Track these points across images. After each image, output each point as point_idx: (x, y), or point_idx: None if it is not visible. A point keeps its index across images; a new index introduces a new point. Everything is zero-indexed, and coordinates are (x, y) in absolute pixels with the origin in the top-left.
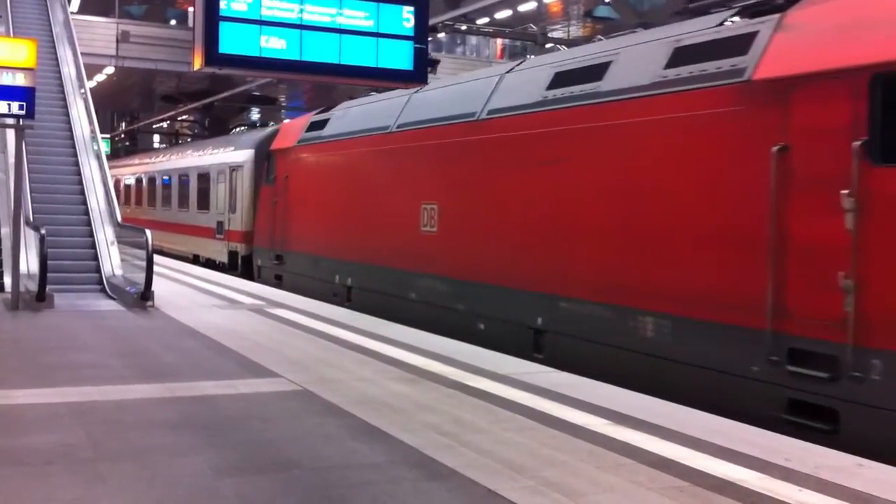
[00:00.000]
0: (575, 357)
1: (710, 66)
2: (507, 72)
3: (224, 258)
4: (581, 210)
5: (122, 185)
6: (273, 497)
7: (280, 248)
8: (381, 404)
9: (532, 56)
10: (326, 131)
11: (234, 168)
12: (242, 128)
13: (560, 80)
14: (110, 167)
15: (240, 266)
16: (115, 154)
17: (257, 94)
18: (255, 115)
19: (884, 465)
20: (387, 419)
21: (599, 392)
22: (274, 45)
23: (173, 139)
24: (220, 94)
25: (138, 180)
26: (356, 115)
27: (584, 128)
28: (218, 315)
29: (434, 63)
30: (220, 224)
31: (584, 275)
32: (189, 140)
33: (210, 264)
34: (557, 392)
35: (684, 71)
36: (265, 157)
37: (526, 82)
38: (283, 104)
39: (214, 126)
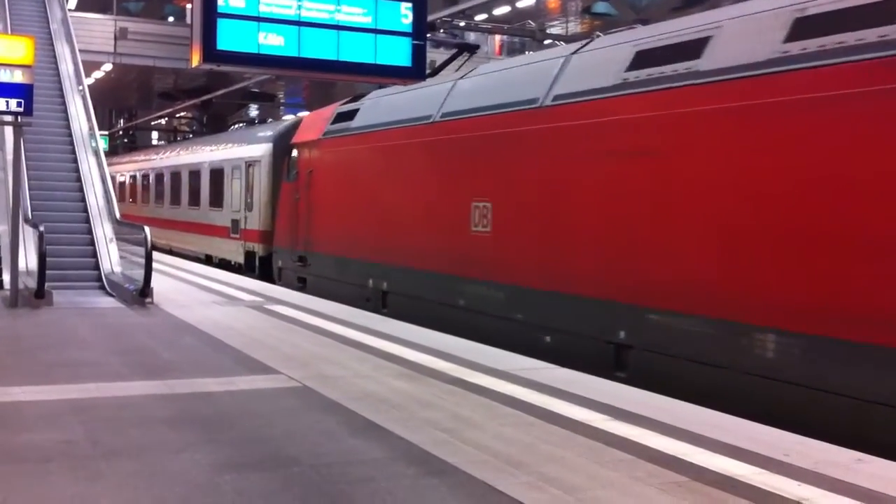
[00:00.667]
0: (669, 377)
1: (852, 38)
2: (574, 52)
3: (240, 259)
4: (679, 207)
5: (127, 181)
6: (272, 493)
7: (304, 249)
8: (381, 400)
9: (599, 34)
10: (356, 122)
11: (250, 163)
12: (241, 124)
13: (643, 59)
14: (113, 164)
15: (257, 268)
16: (115, 151)
17: (255, 90)
18: (253, 111)
19: (883, 461)
20: (386, 415)
21: (598, 387)
22: (272, 41)
23: (172, 136)
24: (218, 91)
25: (145, 177)
26: (390, 104)
27: (679, 113)
28: (217, 311)
29: (474, 48)
30: (235, 223)
31: (684, 283)
32: (189, 136)
33: (225, 266)
34: (557, 388)
35: (812, 44)
36: (285, 151)
37: (599, 64)
38: (282, 101)
39: (212, 123)
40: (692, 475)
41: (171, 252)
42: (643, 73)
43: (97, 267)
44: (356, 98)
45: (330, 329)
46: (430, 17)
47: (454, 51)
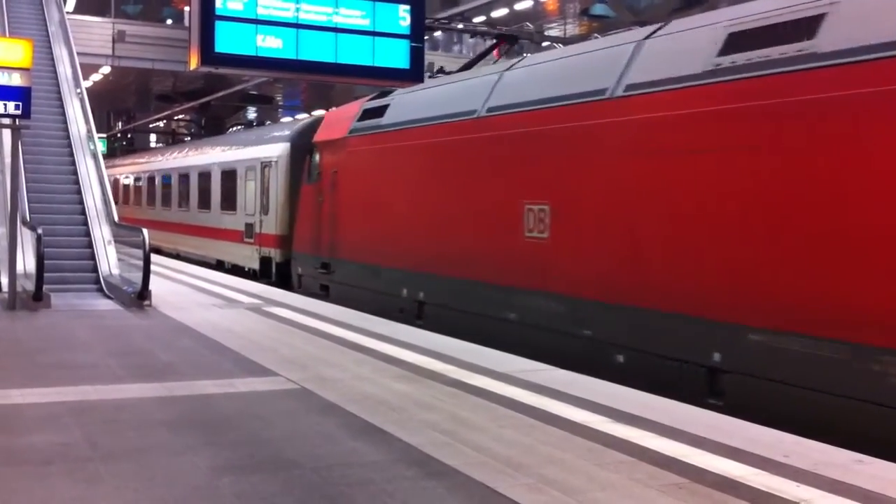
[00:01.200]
0: (782, 407)
1: None
2: (648, 37)
3: (255, 265)
4: (798, 210)
5: (131, 184)
6: (271, 496)
7: (327, 255)
8: (380, 402)
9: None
10: (386, 119)
11: (266, 164)
12: (239, 127)
13: (739, 42)
14: (116, 165)
15: (274, 274)
16: (113, 153)
17: (254, 93)
18: (251, 114)
19: (882, 462)
20: (385, 417)
21: (598, 389)
22: (270, 44)
23: (170, 139)
24: (216, 94)
25: (150, 179)
26: (425, 99)
27: (789, 102)
28: (216, 314)
29: (515, 38)
30: (249, 227)
31: (807, 300)
32: (187, 138)
33: (238, 272)
34: (556, 389)
35: None
36: (304, 151)
37: (683, 49)
38: (280, 103)
39: (211, 125)
40: (692, 477)
41: (178, 257)
42: (739, 58)
43: (95, 269)
44: (383, 94)
45: (328, 331)
46: (427, 20)
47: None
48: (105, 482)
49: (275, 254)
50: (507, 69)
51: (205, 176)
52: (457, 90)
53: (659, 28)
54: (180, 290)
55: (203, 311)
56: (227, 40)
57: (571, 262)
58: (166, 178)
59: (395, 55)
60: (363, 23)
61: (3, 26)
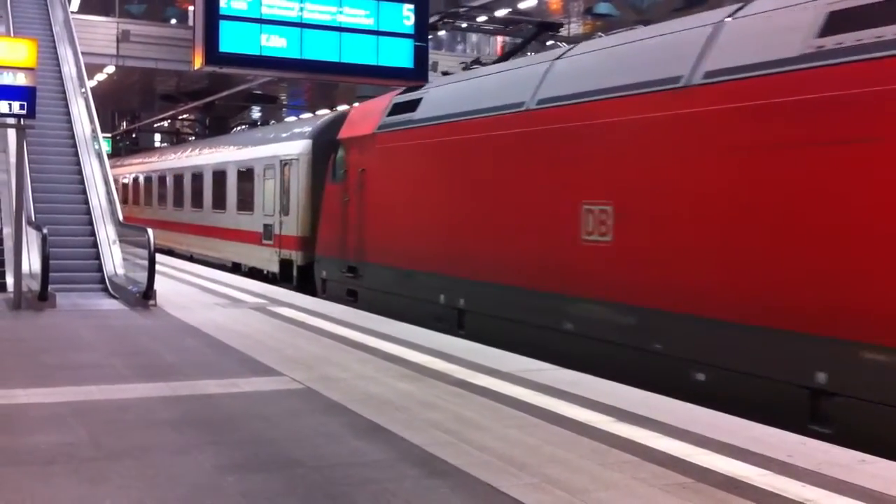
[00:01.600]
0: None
1: None
2: (729, 17)
3: (274, 268)
4: None
5: (140, 183)
6: (275, 495)
7: (355, 259)
8: (384, 402)
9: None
10: (420, 113)
11: (286, 162)
12: (243, 126)
13: (842, 21)
14: (123, 164)
15: (295, 278)
16: (118, 153)
17: (258, 92)
18: (255, 113)
19: (886, 461)
20: (389, 417)
21: (603, 389)
22: (274, 43)
23: (175, 138)
24: (220, 93)
25: (161, 178)
26: (463, 91)
27: None
28: (220, 314)
29: (556, 26)
30: (268, 228)
31: None
32: (192, 138)
33: (256, 275)
34: (561, 389)
35: None
36: (326, 148)
37: (770, 31)
38: (285, 102)
39: (215, 125)
40: (696, 477)
41: (191, 259)
42: (844, 38)
43: (100, 269)
44: (413, 87)
45: (332, 331)
46: (431, 18)
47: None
48: (109, 481)
49: (296, 256)
50: (558, 58)
51: (220, 175)
52: (498, 82)
53: (740, 7)
54: (185, 289)
55: (207, 310)
56: (232, 40)
57: (640, 269)
58: (178, 178)
59: (400, 54)
60: (367, 22)
61: (7, 26)
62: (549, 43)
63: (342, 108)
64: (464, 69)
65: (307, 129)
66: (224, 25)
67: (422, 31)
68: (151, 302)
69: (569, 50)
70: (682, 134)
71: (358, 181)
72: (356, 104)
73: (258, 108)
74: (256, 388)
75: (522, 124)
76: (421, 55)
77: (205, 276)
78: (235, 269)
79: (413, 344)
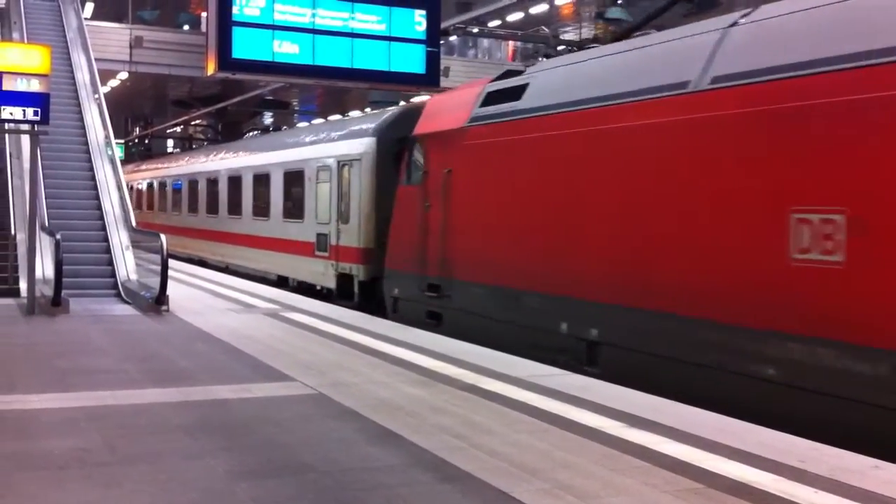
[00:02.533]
0: None
1: None
2: None
3: (330, 283)
4: None
5: (167, 189)
6: (287, 500)
7: (438, 275)
8: (395, 407)
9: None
10: (527, 102)
11: (345, 163)
12: (255, 132)
13: None
14: (142, 170)
15: (357, 295)
16: (131, 159)
17: (270, 98)
18: (267, 119)
19: None
20: (400, 422)
21: (612, 394)
22: (287, 49)
23: (188, 144)
24: (232, 99)
25: (192, 183)
26: (589, 71)
27: None
28: (233, 319)
29: None
30: (322, 238)
31: None
32: (205, 143)
33: (308, 291)
34: (570, 394)
35: None
36: (396, 145)
37: None
38: (297, 108)
39: (227, 130)
40: (707, 482)
41: (226, 270)
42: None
43: (113, 275)
44: (510, 73)
45: (344, 336)
46: (443, 24)
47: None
48: (122, 486)
49: (358, 270)
50: (733, 24)
51: (262, 179)
52: (646, 57)
53: None
54: (198, 295)
55: (220, 315)
56: (245, 46)
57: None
58: (212, 183)
59: (411, 60)
60: (379, 28)
61: (21, 33)
62: (560, 48)
63: (420, 98)
64: (543, 58)
65: (370, 125)
66: (237, 32)
67: (434, 36)
68: (164, 307)
69: (749, 13)
70: None
71: (442, 183)
72: (435, 94)
73: (270, 114)
74: (269, 394)
75: (686, 110)
76: (433, 60)
77: (217, 281)
78: (282, 283)
79: (423, 349)
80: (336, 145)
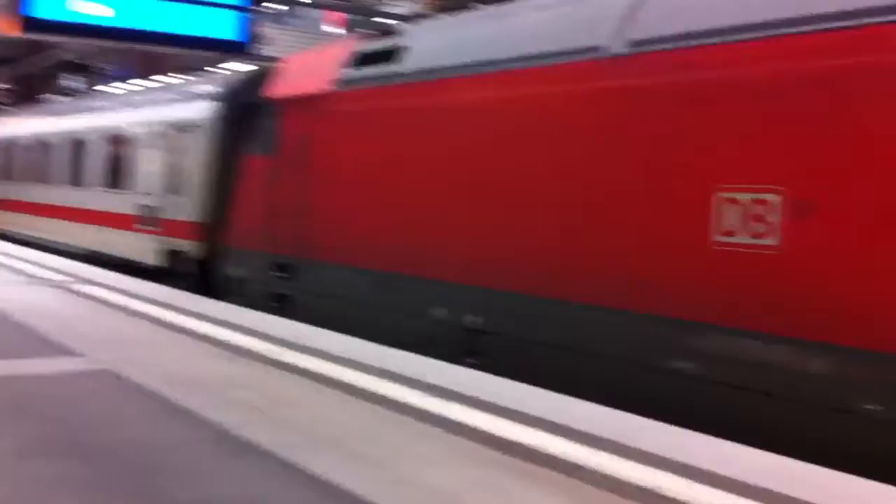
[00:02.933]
0: None
1: None
2: None
3: (153, 259)
4: None
5: None
6: (75, 479)
7: (289, 253)
8: (193, 383)
9: None
10: (407, 65)
11: (182, 127)
12: (57, 96)
13: None
14: None
15: (189, 274)
16: None
17: (74, 60)
18: (72, 82)
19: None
20: (198, 397)
21: (410, 363)
22: (90, 9)
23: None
24: (28, 60)
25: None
26: (480, 32)
27: None
28: (19, 291)
29: None
30: (148, 210)
31: None
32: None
33: (132, 269)
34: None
35: None
36: (240, 111)
37: None
38: (105, 71)
39: (24, 94)
40: (505, 449)
41: (42, 246)
42: None
43: None
44: (385, 31)
45: (144, 310)
46: None
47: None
48: None
49: (189, 247)
50: None
51: (79, 145)
52: (547, 19)
53: None
54: None
55: (3, 288)
56: (41, 4)
57: (824, 285)
58: (29, 149)
59: (223, 25)
60: None
61: None
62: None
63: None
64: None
65: (214, 87)
66: None
67: (248, 2)
68: None
69: None
70: None
71: (300, 154)
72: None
73: (79, 77)
74: (57, 370)
75: (601, 77)
76: (245, 26)
77: (4, 251)
78: (101, 260)
79: (228, 323)
80: (171, 109)
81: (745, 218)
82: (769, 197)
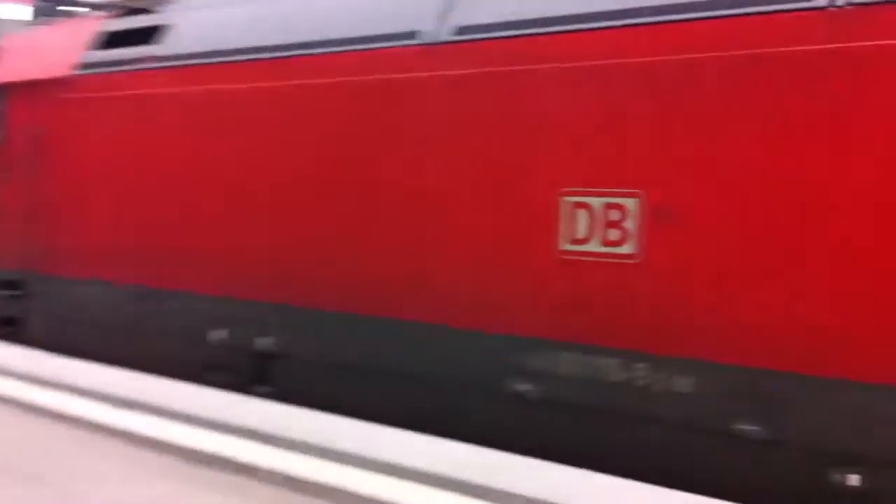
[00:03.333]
0: None
1: None
2: None
3: None
4: None
5: None
6: None
7: (19, 268)
8: None
9: None
10: (170, 47)
11: None
12: None
13: None
14: None
15: None
16: None
17: None
18: None
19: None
20: None
21: (93, 374)
22: None
23: None
24: None
25: None
26: (271, 10)
27: None
28: None
29: None
30: None
31: None
32: None
33: None
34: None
35: None
36: None
37: None
38: None
39: None
40: (178, 454)
41: None
42: None
43: None
44: (137, 9)
45: None
46: None
47: None
48: None
49: None
50: None
51: None
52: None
53: None
54: None
55: None
56: None
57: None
58: None
59: None
60: None
61: None
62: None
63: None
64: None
65: None
66: None
67: None
68: None
69: None
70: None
71: (31, 148)
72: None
73: None
74: None
75: (423, 66)
76: None
77: None
78: None
79: None
80: None
81: (595, 224)
82: (624, 201)
